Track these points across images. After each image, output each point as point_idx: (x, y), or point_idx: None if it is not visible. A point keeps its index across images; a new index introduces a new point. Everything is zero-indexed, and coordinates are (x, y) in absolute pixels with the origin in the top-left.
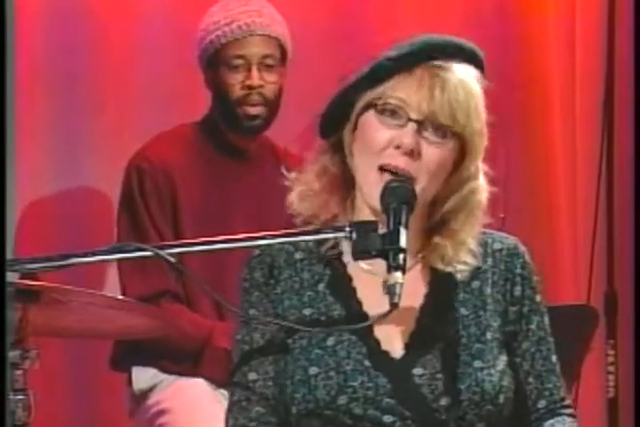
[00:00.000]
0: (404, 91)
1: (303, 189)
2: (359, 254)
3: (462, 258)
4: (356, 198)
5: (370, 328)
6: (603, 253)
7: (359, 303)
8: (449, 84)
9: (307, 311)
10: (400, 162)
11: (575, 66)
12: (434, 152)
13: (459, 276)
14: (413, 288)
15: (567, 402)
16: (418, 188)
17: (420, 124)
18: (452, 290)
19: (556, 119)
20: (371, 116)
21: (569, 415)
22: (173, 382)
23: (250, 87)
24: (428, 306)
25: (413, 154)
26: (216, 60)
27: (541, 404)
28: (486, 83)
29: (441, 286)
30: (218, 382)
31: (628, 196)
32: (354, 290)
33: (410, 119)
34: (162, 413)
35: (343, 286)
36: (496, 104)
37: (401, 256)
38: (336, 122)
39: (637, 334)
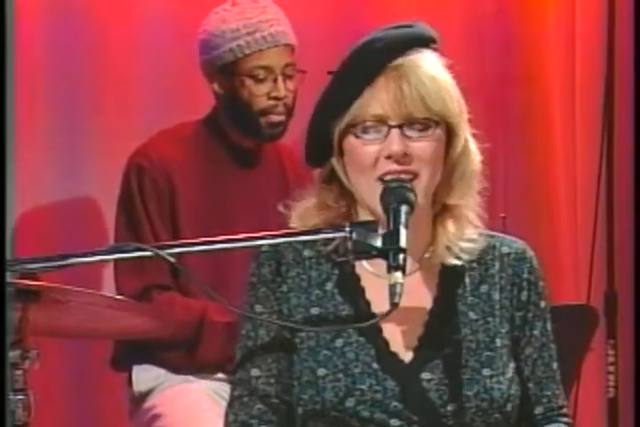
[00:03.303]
0: (376, 106)
1: (305, 223)
2: (359, 254)
3: (466, 235)
4: (358, 207)
5: (378, 330)
6: (603, 253)
7: (367, 303)
8: (414, 79)
9: (314, 311)
10: (396, 167)
11: (575, 66)
12: (422, 146)
13: (466, 263)
14: (422, 290)
15: (565, 411)
16: (421, 184)
17: (401, 127)
18: (462, 294)
19: (556, 119)
20: (351, 140)
21: (565, 424)
22: (172, 387)
23: (277, 98)
24: (437, 310)
25: (405, 157)
26: (234, 68)
27: (538, 410)
28: (449, 61)
29: (450, 288)
30: (215, 369)
31: (628, 196)
32: (362, 290)
33: (391, 126)
34: (157, 417)
35: (352, 286)
36: (496, 104)
37: (401, 256)
38: (320, 150)
39: (637, 334)
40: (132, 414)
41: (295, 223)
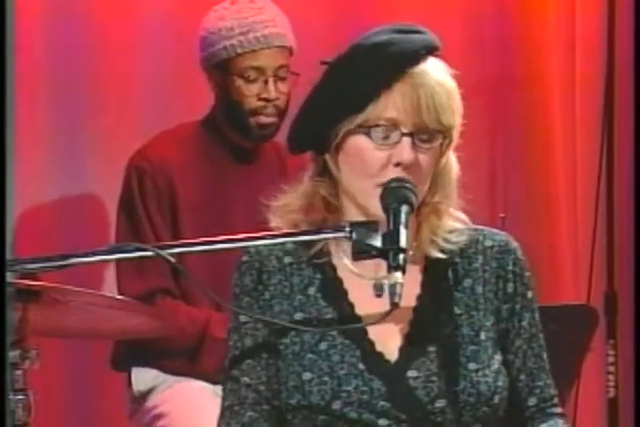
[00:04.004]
0: (392, 110)
1: (288, 218)
2: (359, 255)
3: (448, 225)
4: (343, 197)
5: (363, 331)
6: (603, 253)
7: (351, 306)
8: (430, 89)
9: (298, 316)
10: (403, 175)
11: (575, 66)
12: (426, 158)
13: (449, 258)
14: (407, 288)
15: (556, 400)
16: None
17: (412, 135)
18: (445, 289)
19: (556, 119)
20: (360, 140)
21: (559, 416)
22: (172, 386)
23: (267, 100)
24: (421, 307)
25: (413, 165)
26: (227, 67)
27: (532, 402)
28: (452, 71)
29: (434, 285)
30: (216, 378)
31: (628, 196)
32: (345, 293)
33: (403, 134)
34: (159, 417)
35: (334, 290)
36: (496, 105)
37: (401, 256)
38: (309, 142)
39: (637, 334)
40: (133, 415)
41: (274, 221)
